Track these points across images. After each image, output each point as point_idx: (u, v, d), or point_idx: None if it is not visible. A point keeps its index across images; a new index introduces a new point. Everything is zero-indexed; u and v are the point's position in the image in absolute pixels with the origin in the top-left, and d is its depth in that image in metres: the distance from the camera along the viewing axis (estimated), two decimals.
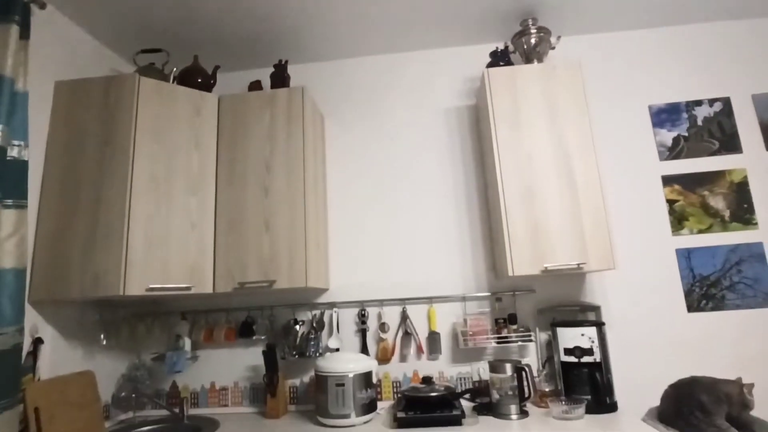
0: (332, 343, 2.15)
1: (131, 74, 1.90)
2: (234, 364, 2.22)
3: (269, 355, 2.06)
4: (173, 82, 2.10)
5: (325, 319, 2.21)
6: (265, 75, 2.35)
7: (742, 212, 2.15)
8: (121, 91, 1.88)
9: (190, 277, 1.88)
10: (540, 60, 2.16)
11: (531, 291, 2.14)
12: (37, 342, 1.72)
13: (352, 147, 2.40)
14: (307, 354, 2.09)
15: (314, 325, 2.17)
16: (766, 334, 2.04)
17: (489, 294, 2.16)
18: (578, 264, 1.81)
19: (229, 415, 2.12)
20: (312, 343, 2.12)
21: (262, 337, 2.18)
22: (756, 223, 2.14)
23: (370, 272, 2.25)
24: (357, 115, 2.44)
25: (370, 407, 1.89)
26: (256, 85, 2.24)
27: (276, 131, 2.05)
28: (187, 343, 2.16)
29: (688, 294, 2.11)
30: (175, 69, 2.12)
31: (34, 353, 1.70)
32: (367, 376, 1.91)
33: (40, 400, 1.65)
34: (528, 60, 2.17)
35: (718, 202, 2.17)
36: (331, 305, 2.22)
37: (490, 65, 2.18)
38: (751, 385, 1.64)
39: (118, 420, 2.09)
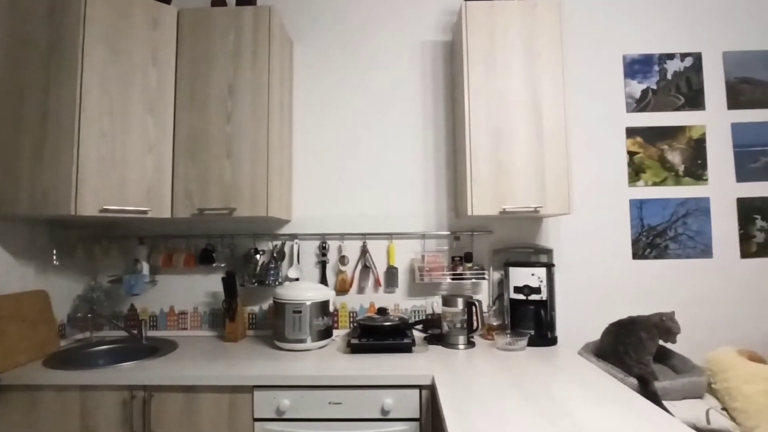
0: (292, 273, 2.19)
1: None
2: (193, 290, 2.24)
3: (228, 282, 2.08)
4: None
5: (286, 249, 2.23)
6: None
7: (696, 168, 2.24)
8: None
9: (147, 200, 1.84)
10: None
11: (488, 232, 2.20)
12: None
13: (322, 75, 2.31)
14: (267, 282, 2.12)
15: (275, 255, 2.19)
16: (701, 282, 2.20)
17: (448, 233, 2.21)
18: (536, 207, 1.86)
19: (188, 337, 2.16)
20: (272, 272, 2.14)
21: (222, 265, 2.19)
22: (706, 179, 2.23)
23: (333, 205, 2.25)
24: (328, 42, 2.32)
25: (325, 334, 1.97)
26: (218, 1, 2.08)
27: (240, 52, 1.94)
28: (145, 267, 2.15)
29: (635, 242, 2.22)
30: None
31: None
32: (324, 304, 1.96)
33: None
34: None
35: (675, 157, 2.24)
36: (293, 236, 2.23)
37: None
38: (671, 313, 1.78)
39: (74, 339, 2.11)
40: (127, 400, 1.62)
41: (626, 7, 2.30)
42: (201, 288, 2.24)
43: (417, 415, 1.60)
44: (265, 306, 2.22)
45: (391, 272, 2.19)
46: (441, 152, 2.26)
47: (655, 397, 1.53)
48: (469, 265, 2.12)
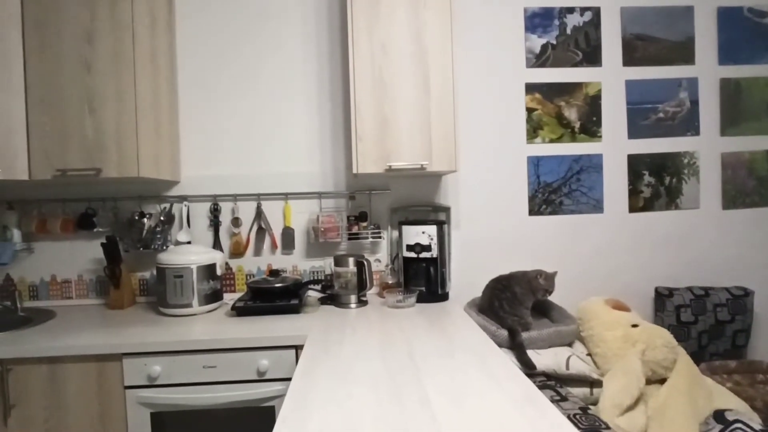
0: (182, 236, 2.09)
1: None
2: (75, 257, 2.10)
3: (109, 247, 1.96)
4: None
5: (176, 212, 2.12)
6: None
7: (591, 125, 2.26)
8: None
9: None
10: None
11: (386, 190, 2.17)
12: None
13: (209, 25, 2.13)
14: (153, 247, 2.02)
15: (162, 218, 2.07)
16: (592, 236, 2.27)
17: (345, 192, 2.16)
18: (421, 164, 1.83)
19: (72, 307, 2.05)
20: (158, 236, 2.04)
21: (105, 230, 2.06)
22: (600, 136, 2.27)
23: (225, 165, 2.14)
24: None
25: (213, 297, 1.91)
26: None
27: None
28: (16, 234, 1.99)
29: (531, 199, 2.26)
30: None
31: None
32: (210, 268, 1.90)
33: None
34: None
35: (572, 114, 2.26)
36: (182, 198, 2.11)
37: None
38: (554, 274, 1.83)
39: None
40: None
41: None
42: (84, 255, 2.11)
43: (292, 375, 1.59)
44: (156, 271, 2.13)
45: (288, 233, 2.14)
46: (338, 109, 2.17)
47: (520, 348, 1.59)
48: (365, 224, 2.10)
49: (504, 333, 1.68)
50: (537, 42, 2.24)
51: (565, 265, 2.25)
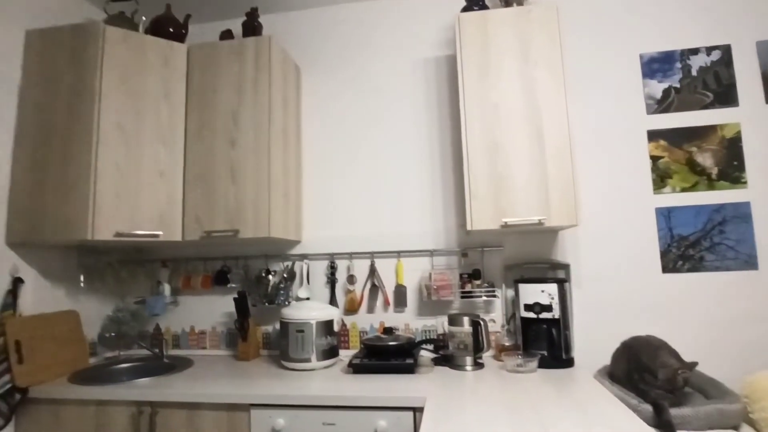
0: (302, 293, 2.22)
1: (96, 22, 1.91)
2: (212, 310, 2.33)
3: (240, 302, 2.14)
4: (144, 31, 2.10)
5: (297, 270, 2.27)
6: (238, 25, 2.31)
7: (731, 170, 2.02)
8: (87, 40, 1.90)
9: (159, 225, 1.95)
10: (520, 3, 2.04)
11: (499, 247, 2.11)
12: (17, 281, 1.85)
13: (328, 100, 2.37)
14: (276, 302, 2.17)
15: (285, 275, 2.23)
16: (744, 296, 1.96)
17: (457, 249, 2.15)
18: (539, 219, 1.77)
19: (206, 356, 2.24)
20: (282, 292, 2.18)
21: (236, 286, 2.26)
22: (745, 182, 2.01)
23: (342, 225, 2.27)
24: (333, 66, 2.39)
25: (331, 353, 1.96)
26: (227, 35, 2.22)
27: (244, 82, 2.04)
28: (167, 288, 2.27)
29: (664, 254, 2.03)
30: (144, 18, 2.11)
31: (13, 292, 1.82)
32: (328, 324, 1.97)
33: (21, 333, 1.79)
34: (507, 4, 2.05)
35: (705, 159, 2.05)
36: (303, 257, 2.27)
37: (464, 10, 2.07)
38: (689, 369, 1.55)
39: (104, 357, 2.25)
40: (135, 415, 1.70)
41: (639, 3, 2.16)
42: (218, 308, 2.32)
43: None
44: (278, 326, 2.26)
45: (400, 291, 2.16)
46: (447, 168, 2.22)
47: (669, 427, 1.37)
48: (478, 282, 2.04)
49: (647, 407, 1.46)
50: (657, 87, 2.11)
51: (714, 331, 1.95)
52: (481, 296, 2.04)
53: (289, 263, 2.28)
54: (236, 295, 2.15)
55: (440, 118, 2.26)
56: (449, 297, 2.06)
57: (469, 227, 1.82)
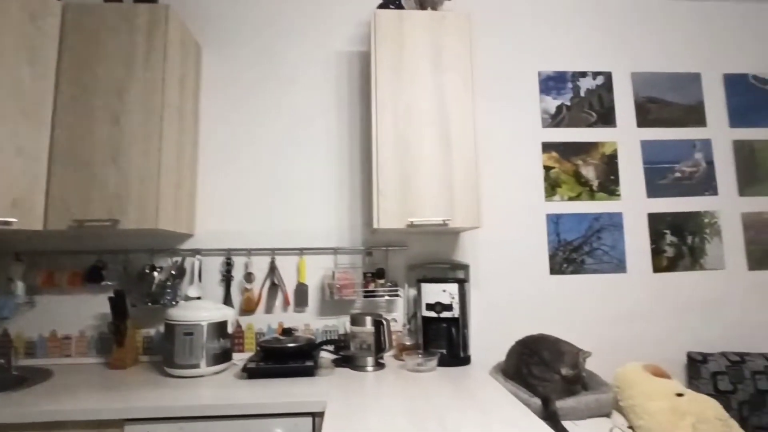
0: (192, 291, 2.01)
1: None
2: (80, 312, 2.01)
3: (116, 302, 1.88)
4: None
5: (187, 266, 2.06)
6: None
7: (609, 183, 2.26)
8: None
9: (11, 210, 1.63)
10: (434, 8, 2.07)
11: (404, 247, 2.12)
12: None
13: (231, 83, 2.19)
14: (162, 302, 1.94)
15: (173, 272, 2.01)
16: (616, 296, 2.19)
17: (361, 248, 2.11)
18: (444, 220, 1.80)
19: (71, 365, 1.93)
20: (168, 290, 1.96)
21: (113, 283, 1.98)
22: (619, 195, 2.26)
23: (240, 219, 2.11)
24: (239, 47, 2.21)
25: (223, 357, 1.80)
26: None
27: (133, 53, 1.79)
28: (20, 287, 1.91)
29: (552, 257, 2.20)
30: None
31: None
32: (221, 325, 1.80)
33: None
34: (422, 6, 2.07)
35: (589, 172, 2.26)
36: (195, 252, 2.06)
37: (381, 7, 2.05)
38: (588, 353, 1.71)
39: None
40: None
41: (542, 25, 2.34)
42: (89, 310, 2.01)
43: None
44: (162, 329, 2.03)
45: (301, 290, 2.06)
46: (356, 166, 2.18)
47: (554, 417, 1.46)
48: (381, 281, 2.03)
49: (537, 401, 1.55)
50: (552, 103, 2.29)
51: (591, 327, 2.16)
52: (384, 296, 2.03)
53: (179, 259, 2.05)
54: (112, 294, 1.88)
55: (350, 114, 2.21)
56: (352, 296, 2.02)
57: (375, 225, 1.79)
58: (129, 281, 2.00)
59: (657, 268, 2.22)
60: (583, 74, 2.32)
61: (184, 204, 1.97)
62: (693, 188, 2.28)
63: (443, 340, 1.90)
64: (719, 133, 2.33)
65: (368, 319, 1.85)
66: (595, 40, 2.35)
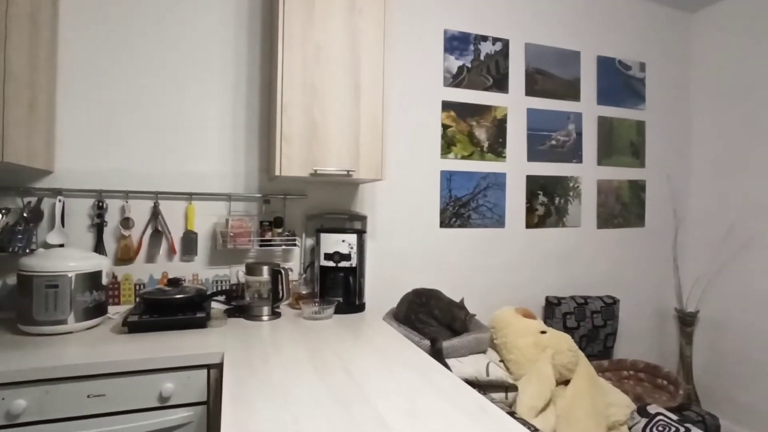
0: (53, 238, 1.73)
1: None
2: None
3: None
4: None
5: (45, 209, 1.75)
6: None
7: (497, 146, 2.44)
8: None
9: None
10: None
11: (303, 196, 2.07)
12: None
13: None
14: (12, 249, 1.63)
15: (26, 215, 1.69)
16: (496, 248, 2.44)
17: (258, 195, 2.00)
18: (348, 171, 1.78)
19: None
20: (20, 236, 1.65)
21: None
22: (505, 157, 2.46)
23: (115, 157, 1.84)
24: None
25: (97, 311, 1.61)
26: None
27: None
28: None
29: (443, 212, 2.34)
30: None
31: None
32: (94, 276, 1.59)
33: None
34: None
35: (481, 134, 2.41)
36: (56, 192, 1.75)
37: None
38: (473, 315, 1.89)
39: None
40: None
41: None
42: None
43: (204, 398, 1.40)
44: (11, 280, 1.72)
45: (190, 238, 1.90)
46: (254, 108, 2.01)
47: (439, 354, 1.62)
48: (279, 230, 1.96)
49: (426, 342, 1.69)
50: (454, 63, 2.35)
51: (473, 276, 2.38)
52: (281, 245, 1.98)
53: (33, 200, 1.73)
54: None
55: (250, 48, 2.01)
56: (247, 245, 1.93)
57: (277, 173, 1.70)
58: None
59: (529, 224, 2.51)
60: (485, 38, 2.41)
61: (41, 133, 1.64)
62: (564, 155, 2.58)
63: (340, 288, 1.93)
64: (589, 108, 2.64)
65: (265, 269, 1.79)
66: (499, 6, 2.43)
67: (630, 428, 1.54)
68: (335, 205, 2.13)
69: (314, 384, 1.18)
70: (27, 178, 1.74)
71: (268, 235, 1.95)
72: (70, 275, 1.53)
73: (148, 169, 1.87)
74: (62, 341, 1.46)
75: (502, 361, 1.85)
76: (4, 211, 1.66)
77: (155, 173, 1.88)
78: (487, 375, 1.65)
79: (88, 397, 1.30)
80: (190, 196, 1.92)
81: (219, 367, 1.41)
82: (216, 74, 1.96)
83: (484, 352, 1.84)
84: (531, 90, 2.50)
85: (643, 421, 1.52)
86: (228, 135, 1.98)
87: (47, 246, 1.72)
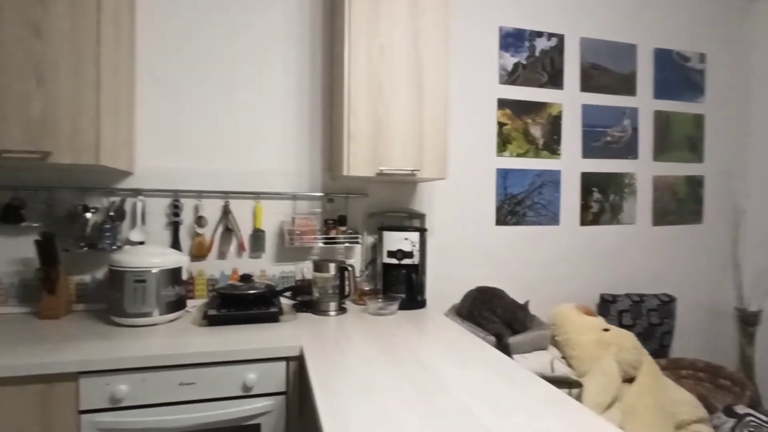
0: (135, 235, 1.83)
1: None
2: None
3: (45, 246, 1.65)
4: None
5: (127, 208, 1.86)
6: None
7: (552, 143, 2.43)
8: None
9: None
10: None
11: (364, 195, 2.11)
12: None
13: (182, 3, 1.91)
14: (100, 246, 1.75)
15: (111, 213, 1.80)
16: (550, 245, 2.43)
17: (321, 194, 2.07)
18: (413, 170, 1.81)
19: None
20: (107, 234, 1.77)
21: (35, 225, 1.73)
22: (559, 154, 2.44)
23: (189, 158, 1.93)
24: None
25: (177, 305, 1.70)
26: None
27: None
28: None
29: (498, 209, 2.35)
30: None
31: None
32: (175, 272, 1.69)
33: None
34: None
35: (536, 131, 2.40)
36: (136, 192, 1.86)
37: None
38: (533, 316, 1.91)
39: None
40: None
41: None
42: (5, 254, 1.75)
43: (283, 389, 1.47)
44: (100, 275, 1.84)
45: (258, 235, 1.98)
46: (317, 108, 2.07)
47: (506, 350, 1.64)
48: (343, 228, 2.02)
49: (492, 339, 1.72)
50: (510, 60, 2.35)
51: (528, 273, 2.39)
52: (344, 243, 2.03)
53: (117, 199, 1.84)
54: (39, 237, 1.65)
55: (312, 49, 2.06)
56: (312, 243, 1.99)
57: (345, 172, 1.76)
58: (55, 222, 1.76)
59: (584, 222, 2.49)
60: (540, 34, 2.39)
61: (123, 137, 1.74)
62: (619, 151, 2.55)
63: (402, 285, 1.97)
64: (645, 102, 2.59)
65: (332, 266, 1.85)
66: (553, 1, 2.41)
67: (716, 428, 1.52)
68: (395, 204, 2.17)
69: (393, 375, 1.22)
70: (111, 179, 1.85)
71: (333, 233, 2.01)
72: (154, 271, 1.63)
73: (218, 168, 1.96)
74: (149, 332, 1.56)
75: (563, 357, 1.86)
76: (93, 210, 1.78)
77: (225, 173, 1.96)
78: (552, 371, 1.66)
79: (180, 384, 1.39)
80: (257, 196, 1.99)
81: (297, 359, 1.48)
82: (280, 75, 2.02)
83: (545, 348, 1.85)
84: (586, 85, 2.47)
85: (731, 421, 1.50)
86: (292, 135, 2.04)
87: (130, 243, 1.83)
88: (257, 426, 1.45)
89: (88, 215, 1.77)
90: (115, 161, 1.64)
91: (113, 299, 1.62)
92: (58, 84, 1.47)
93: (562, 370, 1.68)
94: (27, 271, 1.76)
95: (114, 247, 1.77)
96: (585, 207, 2.49)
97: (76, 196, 1.80)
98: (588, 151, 2.49)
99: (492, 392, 1.12)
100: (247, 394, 1.44)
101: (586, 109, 2.47)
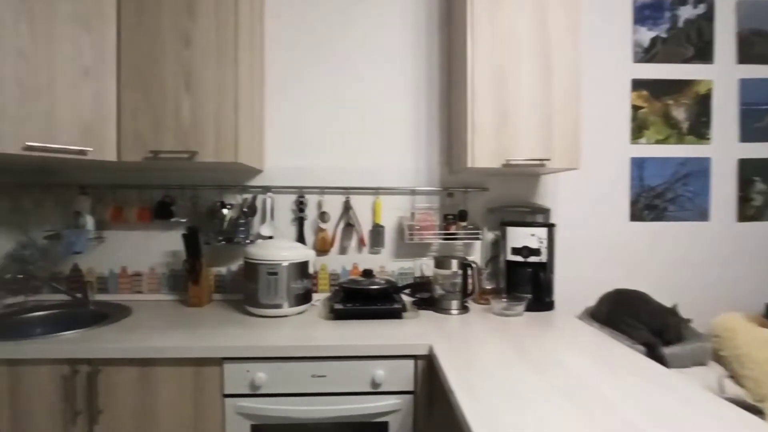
0: (265, 230, 1.93)
1: None
2: (150, 248, 1.94)
3: (190, 239, 1.80)
4: None
5: (258, 204, 1.96)
6: None
7: (699, 126, 2.11)
8: None
9: (85, 139, 1.51)
10: None
11: (484, 189, 2.01)
12: None
13: (301, 5, 1.98)
14: (236, 240, 1.86)
15: (245, 209, 1.91)
16: (699, 245, 2.11)
17: (440, 189, 2.00)
18: (542, 160, 1.68)
19: (144, 302, 1.89)
20: (242, 228, 1.88)
21: (183, 220, 1.90)
22: (709, 138, 2.11)
23: (312, 156, 1.99)
24: None
25: (304, 298, 1.75)
26: None
27: None
28: (90, 221, 1.82)
29: (633, 203, 2.10)
30: None
31: None
32: (303, 266, 1.74)
33: None
34: None
35: (680, 113, 2.10)
36: (265, 189, 1.96)
37: None
38: (689, 320, 1.65)
39: (4, 304, 1.78)
40: (68, 376, 1.36)
41: None
42: (158, 246, 1.95)
43: (411, 388, 1.43)
44: (234, 267, 1.97)
45: (377, 230, 1.98)
46: (434, 101, 2.02)
47: (661, 362, 1.43)
48: (464, 224, 1.94)
49: (641, 348, 1.52)
50: (646, 35, 2.09)
51: (669, 276, 2.10)
52: (464, 238, 1.95)
53: (249, 196, 1.96)
54: (186, 231, 1.80)
55: (429, 46, 2.01)
56: (432, 239, 1.94)
57: (469, 164, 1.67)
58: (198, 218, 1.92)
59: (742, 217, 2.13)
60: (684, 1, 2.09)
61: (256, 137, 1.84)
62: None
63: (527, 284, 1.84)
64: None
65: (454, 262, 1.78)
66: None
67: None
68: (516, 198, 2.04)
69: (537, 382, 1.12)
70: (244, 176, 1.97)
71: (452, 229, 1.93)
72: (284, 264, 1.69)
73: (340, 165, 1.99)
74: (281, 323, 1.62)
75: (731, 376, 1.58)
76: (229, 206, 1.90)
77: (346, 170, 1.99)
78: (723, 392, 1.42)
79: (312, 376, 1.41)
80: (377, 191, 1.99)
81: (425, 358, 1.43)
82: (397, 71, 2.00)
83: (704, 364, 1.59)
84: (745, 56, 2.11)
85: None
86: (410, 130, 2.01)
87: (260, 237, 1.93)
88: (385, 424, 1.43)
89: (225, 211, 1.89)
90: (249, 159, 1.73)
91: (249, 290, 1.71)
92: (203, 89, 1.58)
93: (736, 391, 1.42)
94: (175, 262, 1.94)
95: (247, 241, 1.88)
96: (744, 200, 2.13)
97: (215, 194, 1.94)
98: (748, 134, 2.12)
99: (663, 410, 0.96)
100: (376, 391, 1.42)
101: (745, 84, 2.11)
